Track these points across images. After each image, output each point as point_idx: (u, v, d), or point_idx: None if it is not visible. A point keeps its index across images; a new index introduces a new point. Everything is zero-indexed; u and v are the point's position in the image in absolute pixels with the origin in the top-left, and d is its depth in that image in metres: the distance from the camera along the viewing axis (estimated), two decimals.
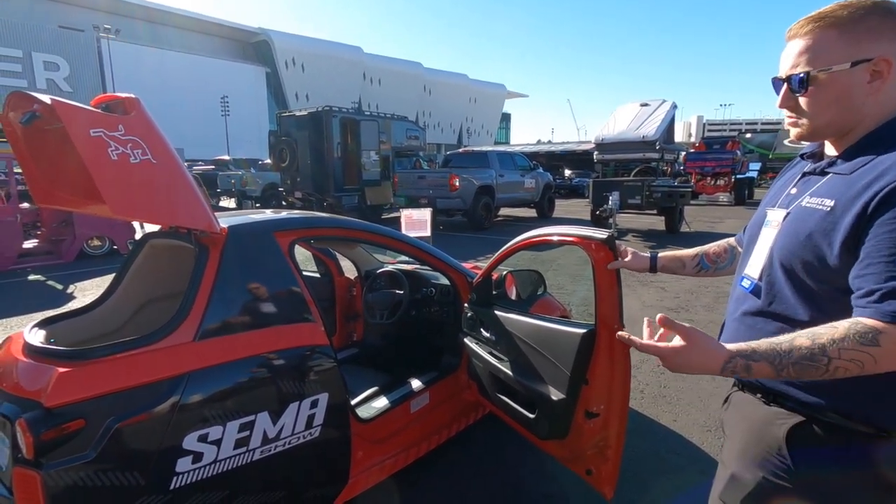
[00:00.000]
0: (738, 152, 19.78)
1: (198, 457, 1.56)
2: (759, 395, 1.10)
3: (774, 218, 1.10)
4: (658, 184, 10.71)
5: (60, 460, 1.36)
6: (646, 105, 11.61)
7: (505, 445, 2.70)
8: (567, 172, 27.55)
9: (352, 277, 3.44)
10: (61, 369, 1.43)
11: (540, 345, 1.99)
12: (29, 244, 8.38)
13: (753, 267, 1.13)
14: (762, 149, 26.87)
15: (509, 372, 2.12)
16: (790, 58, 1.02)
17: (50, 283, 7.00)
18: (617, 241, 1.75)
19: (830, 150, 1.09)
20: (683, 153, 19.78)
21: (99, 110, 1.52)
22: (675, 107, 11.53)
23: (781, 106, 1.08)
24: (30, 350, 1.55)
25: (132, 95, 1.58)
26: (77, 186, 1.66)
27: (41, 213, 8.69)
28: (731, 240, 1.55)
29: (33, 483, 1.35)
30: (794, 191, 1.11)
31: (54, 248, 8.53)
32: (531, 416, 2.04)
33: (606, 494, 1.88)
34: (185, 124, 37.21)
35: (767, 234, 1.11)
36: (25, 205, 8.42)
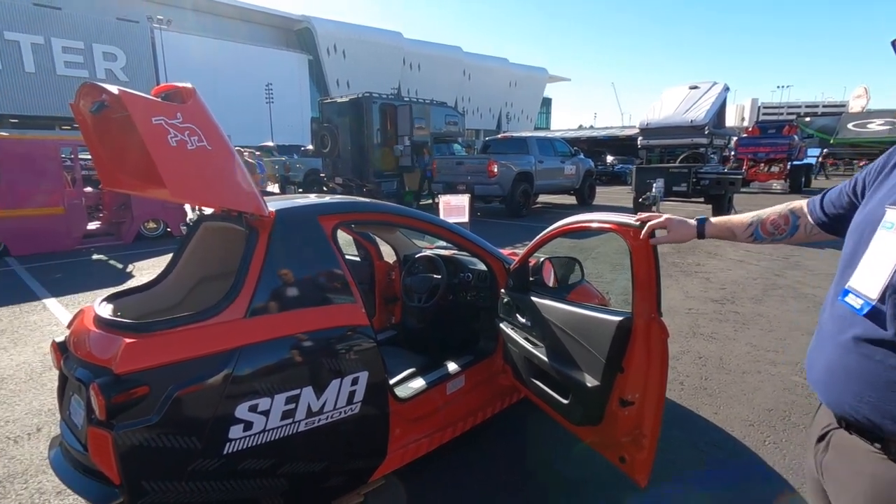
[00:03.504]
0: (796, 137, 18.69)
1: (248, 425, 1.67)
2: (876, 446, 0.90)
3: None
4: (706, 170, 10.29)
5: (128, 422, 1.49)
6: (695, 88, 11.10)
7: (539, 429, 2.72)
8: (609, 159, 26.81)
9: (391, 262, 3.52)
10: (128, 340, 1.55)
11: (575, 331, 1.99)
12: (92, 226, 8.95)
13: (867, 282, 0.91)
14: (823, 133, 25.23)
15: (544, 357, 2.14)
16: None
17: (111, 262, 7.48)
18: (655, 213, 1.66)
19: None
20: (735, 138, 18.85)
21: (159, 99, 1.62)
22: (726, 89, 10.97)
23: None
24: (100, 322, 1.69)
25: (188, 85, 1.67)
26: (139, 171, 1.78)
27: (103, 196, 9.25)
28: (796, 205, 1.31)
29: (105, 442, 1.48)
30: None
31: (115, 230, 9.09)
32: (565, 401, 2.05)
33: (640, 482, 1.89)
34: (232, 112, 38.40)
35: (890, 241, 0.89)
36: (89, 189, 8.99)
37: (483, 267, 2.87)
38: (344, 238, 3.58)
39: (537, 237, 2.33)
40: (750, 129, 20.01)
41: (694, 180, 9.99)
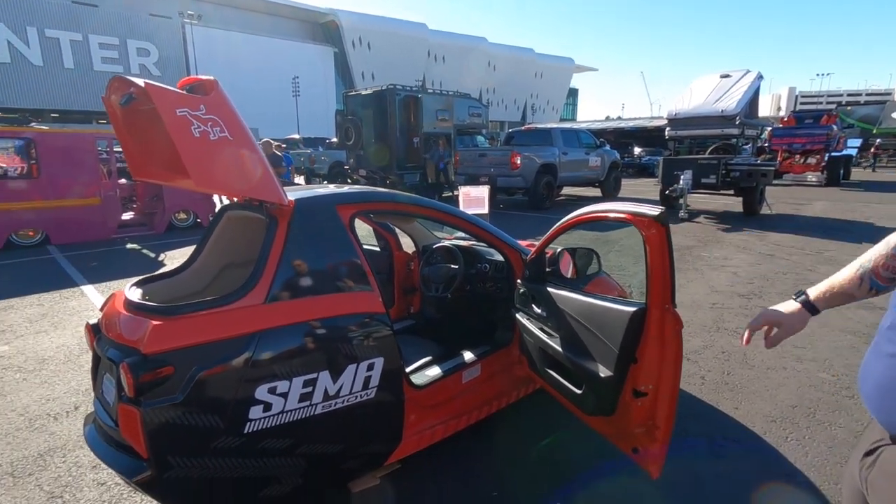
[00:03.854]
0: (835, 127, 17.92)
1: (268, 406, 1.73)
2: None
3: None
4: (736, 162, 9.98)
5: (155, 400, 1.57)
6: (727, 76, 10.74)
7: (554, 420, 2.73)
8: (637, 150, 26.28)
9: (410, 252, 3.56)
10: (155, 322, 1.63)
11: (589, 322, 1.99)
12: (126, 216, 9.29)
13: None
14: (865, 123, 24.18)
15: (558, 348, 2.15)
16: None
17: (144, 251, 7.76)
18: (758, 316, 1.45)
19: None
20: (769, 129, 18.21)
21: (184, 92, 1.68)
22: (760, 78, 10.58)
23: None
24: (129, 305, 1.78)
25: (212, 78, 1.73)
26: (166, 162, 1.85)
27: (136, 188, 9.59)
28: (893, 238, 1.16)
29: (134, 418, 1.57)
30: None
31: (147, 221, 9.41)
32: (578, 391, 2.06)
33: (653, 473, 1.88)
34: (259, 105, 39.13)
35: None
36: (123, 181, 9.32)
37: (500, 258, 2.88)
38: (364, 228, 3.63)
39: (553, 227, 2.33)
40: (785, 119, 19.26)
41: (723, 172, 9.71)
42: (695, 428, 2.68)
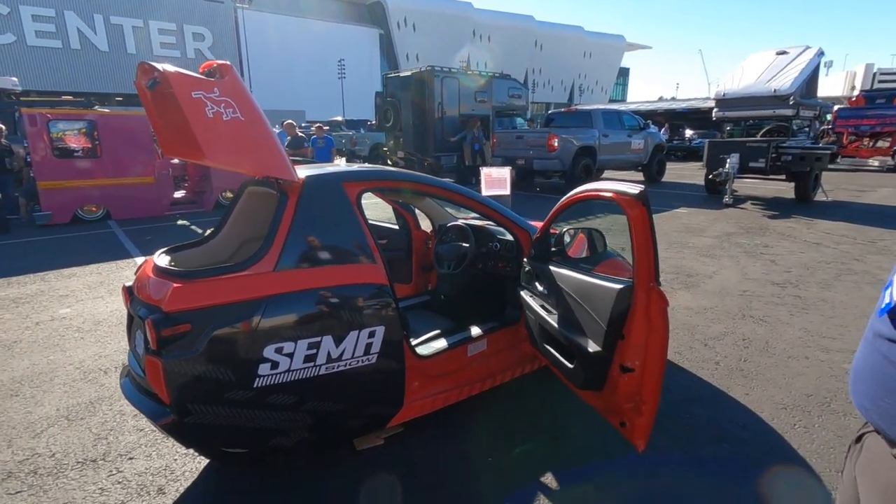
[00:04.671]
0: None
1: (275, 364, 1.91)
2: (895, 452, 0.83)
3: None
4: (789, 145, 9.42)
5: (175, 353, 1.77)
6: (783, 53, 10.05)
7: (556, 396, 2.80)
8: (688, 133, 25.09)
9: (429, 231, 3.67)
10: (176, 284, 1.83)
11: (583, 299, 2.05)
12: (178, 195, 9.88)
13: None
14: None
15: (555, 324, 2.21)
16: None
17: (193, 227, 8.27)
18: None
19: None
20: (835, 109, 16.97)
21: (202, 75, 1.84)
22: (820, 54, 9.84)
23: None
24: (156, 270, 1.99)
25: (226, 62, 1.88)
26: (190, 141, 2.03)
27: (187, 168, 10.16)
28: None
29: (157, 368, 1.78)
30: None
31: (197, 199, 9.98)
32: (570, 366, 2.13)
33: (639, 447, 1.94)
34: (306, 87, 39.99)
35: None
36: (175, 161, 9.89)
37: (511, 237, 2.94)
38: (385, 208, 3.77)
39: (555, 206, 2.37)
40: (853, 99, 17.86)
41: (774, 155, 9.19)
42: (699, 411, 2.68)
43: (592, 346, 1.96)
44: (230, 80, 1.82)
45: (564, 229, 2.61)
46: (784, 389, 2.90)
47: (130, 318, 2.17)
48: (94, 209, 8.65)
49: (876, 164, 16.61)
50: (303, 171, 2.15)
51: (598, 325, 1.94)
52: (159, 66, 1.75)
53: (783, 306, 4.26)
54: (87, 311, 4.32)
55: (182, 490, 2.13)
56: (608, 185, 1.89)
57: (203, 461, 2.29)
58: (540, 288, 2.45)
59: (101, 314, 4.24)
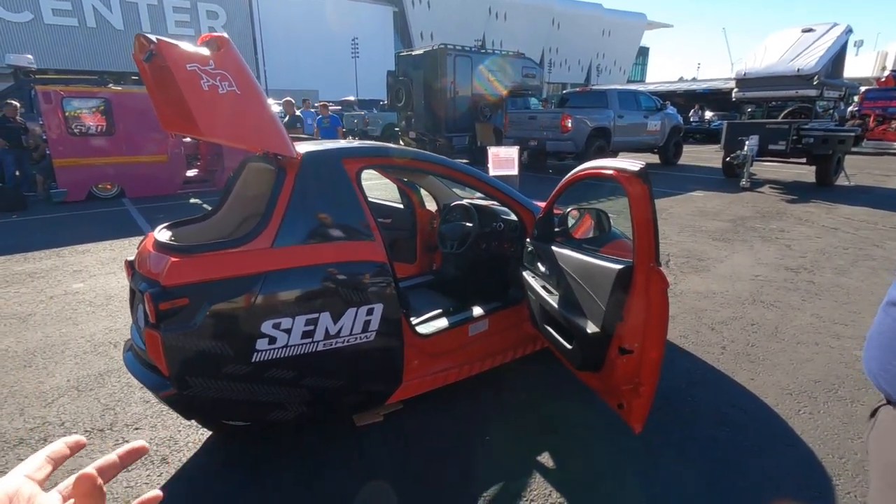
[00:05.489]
0: None
1: (272, 340, 1.92)
2: None
3: None
4: (811, 126, 9.12)
5: (173, 326, 1.79)
6: (809, 31, 9.65)
7: (557, 377, 2.79)
8: (708, 114, 24.45)
9: (434, 211, 3.65)
10: (174, 259, 1.84)
11: (583, 279, 2.02)
12: (190, 173, 9.95)
13: None
14: None
15: (555, 304, 2.19)
16: None
17: (205, 205, 8.34)
18: None
19: None
20: (862, 90, 16.35)
21: (198, 48, 1.82)
22: (848, 32, 9.42)
23: None
24: (156, 244, 2.00)
25: (224, 35, 1.85)
26: (184, 114, 2.02)
27: (200, 147, 10.19)
28: None
29: (156, 341, 1.80)
30: None
31: (209, 177, 10.03)
32: (569, 346, 2.11)
33: (635, 429, 1.93)
34: (319, 66, 39.75)
35: None
36: (188, 139, 9.94)
37: (515, 217, 2.91)
38: (390, 187, 3.75)
39: (558, 185, 2.33)
40: (882, 80, 17.19)
41: (794, 138, 8.91)
42: (701, 394, 2.65)
43: (591, 327, 1.94)
44: (226, 53, 1.79)
45: (569, 209, 2.57)
46: (791, 375, 2.86)
47: (133, 293, 2.20)
48: (108, 187, 8.76)
49: None
50: (302, 147, 2.13)
51: (597, 305, 1.92)
52: (154, 37, 1.73)
53: (796, 291, 4.17)
54: (99, 286, 4.41)
55: (184, 460, 2.18)
56: (609, 163, 1.84)
57: (206, 433, 2.34)
58: (542, 268, 2.43)
59: (113, 289, 4.32)
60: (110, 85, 9.23)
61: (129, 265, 2.16)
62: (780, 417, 2.47)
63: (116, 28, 32.79)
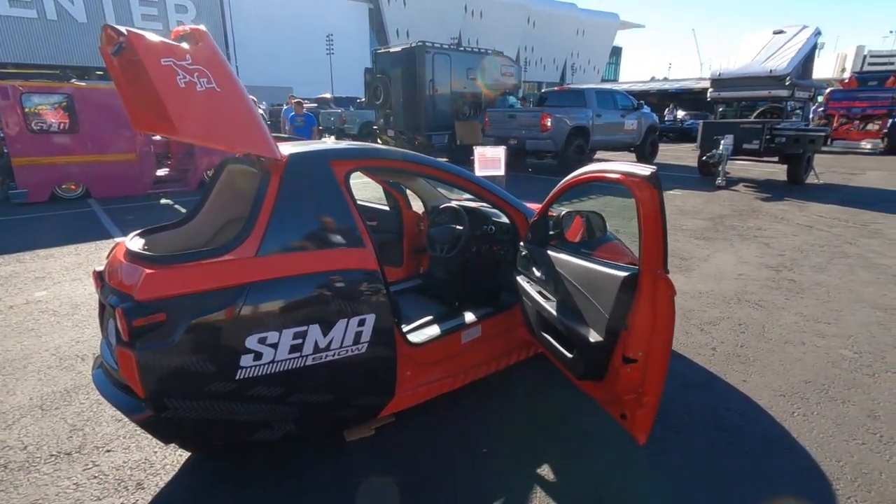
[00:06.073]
0: None
1: (258, 355, 1.79)
2: None
3: None
4: (783, 126, 9.35)
5: (149, 345, 1.64)
6: (780, 33, 9.89)
7: (553, 383, 2.73)
8: (680, 113, 24.94)
9: (420, 213, 3.54)
10: (148, 270, 1.69)
11: (584, 286, 1.95)
12: (161, 172, 9.58)
13: None
14: None
15: (553, 311, 2.12)
16: None
17: (177, 206, 8.03)
18: None
19: None
20: (827, 91, 16.90)
21: (173, 41, 1.67)
22: (817, 34, 9.70)
23: None
24: (128, 254, 1.85)
25: (201, 27, 1.71)
26: (158, 113, 1.86)
27: (170, 145, 9.82)
28: None
29: (130, 360, 1.65)
30: None
31: (181, 177, 9.68)
32: (570, 355, 2.04)
33: (640, 440, 1.87)
34: (293, 64, 39.00)
35: None
36: (158, 137, 9.56)
37: (507, 220, 2.83)
38: (376, 189, 3.63)
39: (555, 188, 2.26)
40: (845, 81, 17.81)
41: (768, 137, 9.12)
42: (695, 398, 2.63)
43: (594, 336, 1.87)
44: (204, 47, 1.66)
45: (564, 212, 2.50)
46: (782, 376, 2.86)
47: (102, 306, 2.03)
48: (73, 187, 8.35)
49: (868, 146, 16.65)
50: (287, 149, 2.00)
51: (599, 313, 1.85)
52: (124, 29, 1.58)
53: (778, 290, 4.22)
54: (64, 293, 4.15)
55: (162, 484, 2.03)
56: (615, 166, 1.77)
57: (185, 454, 2.19)
58: (537, 273, 2.35)
59: (79, 297, 4.08)
60: (73, 80, 8.80)
61: (98, 276, 2.00)
62: (775, 420, 2.46)
63: (79, 21, 31.53)
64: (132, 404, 1.78)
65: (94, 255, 5.26)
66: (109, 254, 2.05)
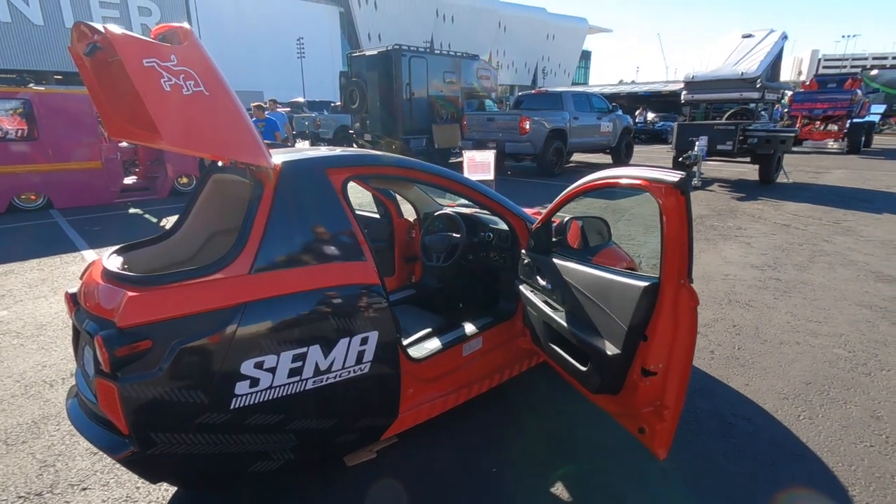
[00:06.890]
0: (859, 92, 17.19)
1: (255, 382, 1.65)
2: None
3: None
4: (755, 128, 9.59)
5: (133, 375, 1.48)
6: (749, 37, 10.17)
7: (560, 393, 2.65)
8: (650, 116, 25.47)
9: (411, 220, 3.42)
10: (131, 293, 1.53)
11: (597, 296, 1.87)
12: (128, 181, 9.17)
13: None
14: (890, 88, 23.24)
15: (563, 322, 2.03)
16: None
17: (146, 216, 7.68)
18: None
19: None
20: (790, 93, 17.48)
21: (154, 40, 1.52)
22: (784, 38, 10.00)
23: None
24: (107, 275, 1.67)
25: (186, 25, 1.56)
26: (142, 119, 1.70)
27: (137, 151, 9.42)
28: None
29: (112, 393, 1.48)
30: None
31: (150, 185, 9.30)
32: (583, 368, 1.95)
33: (659, 455, 1.80)
34: (264, 67, 38.34)
35: None
36: (124, 144, 9.16)
37: (504, 226, 2.74)
38: (364, 195, 3.49)
39: (562, 194, 2.17)
40: (807, 84, 18.49)
41: (741, 138, 9.33)
42: (704, 405, 2.58)
43: (611, 349, 1.79)
44: (190, 46, 1.51)
45: (566, 218, 2.43)
46: (782, 378, 2.85)
47: (76, 331, 1.85)
48: (33, 197, 7.90)
49: (834, 146, 17.30)
50: (280, 157, 1.86)
51: (616, 324, 1.77)
52: (100, 26, 1.42)
53: (766, 290, 4.26)
54: (27, 312, 3.87)
55: None
56: (636, 172, 1.70)
57: (171, 488, 2.02)
58: (542, 282, 2.27)
59: (45, 317, 3.80)
60: (31, 85, 8.34)
61: (72, 299, 1.81)
62: (782, 425, 2.43)
63: (35, 23, 30.24)
64: (113, 441, 1.61)
65: (60, 269, 4.95)
66: (84, 273, 1.86)
